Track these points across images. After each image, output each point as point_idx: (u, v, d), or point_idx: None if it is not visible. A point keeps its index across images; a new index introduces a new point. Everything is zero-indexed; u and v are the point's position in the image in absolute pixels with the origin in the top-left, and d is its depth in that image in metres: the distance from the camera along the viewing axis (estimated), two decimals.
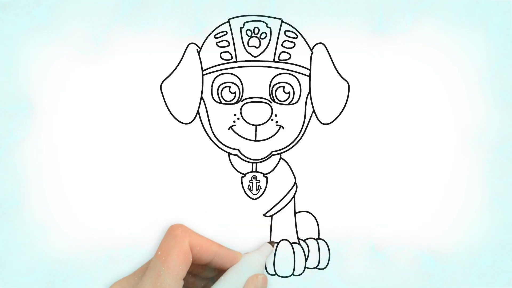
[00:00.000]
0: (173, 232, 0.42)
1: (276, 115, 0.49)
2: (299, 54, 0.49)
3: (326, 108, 0.50)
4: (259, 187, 0.49)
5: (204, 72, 0.49)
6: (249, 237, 0.49)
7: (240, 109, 0.49)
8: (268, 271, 0.49)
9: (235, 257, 0.44)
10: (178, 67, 0.49)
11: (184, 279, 0.41)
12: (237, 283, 0.42)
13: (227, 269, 0.44)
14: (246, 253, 0.46)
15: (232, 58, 0.49)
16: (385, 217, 0.49)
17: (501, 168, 0.50)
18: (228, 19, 0.49)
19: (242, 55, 0.49)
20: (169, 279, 0.39)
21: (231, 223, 0.49)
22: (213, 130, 0.49)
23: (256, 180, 0.49)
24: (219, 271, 0.45)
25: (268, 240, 0.49)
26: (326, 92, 0.50)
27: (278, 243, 0.49)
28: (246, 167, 0.49)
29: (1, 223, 0.48)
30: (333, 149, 0.50)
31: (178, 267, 0.40)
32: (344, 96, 0.50)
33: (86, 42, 0.49)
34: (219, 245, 0.43)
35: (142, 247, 0.48)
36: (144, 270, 0.42)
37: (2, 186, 0.48)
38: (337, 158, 0.50)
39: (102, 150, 0.49)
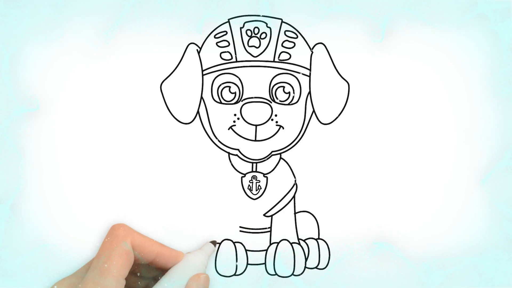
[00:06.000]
0: (115, 232, 0.41)
1: (276, 115, 0.49)
2: (299, 54, 0.49)
3: (326, 108, 0.50)
4: (259, 187, 0.49)
5: (204, 72, 0.49)
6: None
7: (240, 109, 0.49)
8: (268, 271, 0.49)
9: (177, 256, 0.44)
10: (178, 67, 0.49)
11: (126, 279, 0.41)
12: (179, 283, 0.42)
13: (169, 268, 0.44)
14: (188, 252, 0.46)
15: (232, 58, 0.49)
16: (385, 217, 0.49)
17: (501, 168, 0.50)
18: (228, 19, 0.49)
19: (242, 55, 0.49)
20: (111, 279, 0.39)
21: (228, 223, 0.49)
22: (213, 130, 0.49)
23: (256, 180, 0.49)
24: (161, 271, 0.44)
25: (211, 240, 0.48)
26: (326, 92, 0.50)
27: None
28: (246, 167, 0.49)
29: (1, 223, 0.48)
30: (333, 149, 0.50)
31: (120, 267, 0.40)
32: (344, 96, 0.50)
33: (86, 42, 0.49)
34: (161, 245, 0.44)
35: None
36: (85, 270, 0.42)
37: (2, 185, 0.48)
38: (337, 158, 0.50)
39: (102, 150, 0.49)
